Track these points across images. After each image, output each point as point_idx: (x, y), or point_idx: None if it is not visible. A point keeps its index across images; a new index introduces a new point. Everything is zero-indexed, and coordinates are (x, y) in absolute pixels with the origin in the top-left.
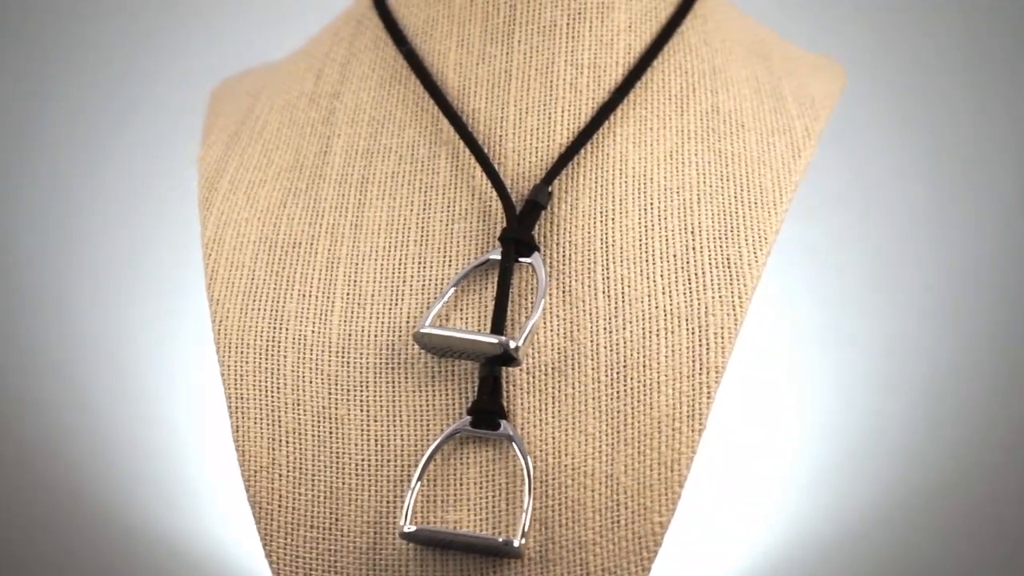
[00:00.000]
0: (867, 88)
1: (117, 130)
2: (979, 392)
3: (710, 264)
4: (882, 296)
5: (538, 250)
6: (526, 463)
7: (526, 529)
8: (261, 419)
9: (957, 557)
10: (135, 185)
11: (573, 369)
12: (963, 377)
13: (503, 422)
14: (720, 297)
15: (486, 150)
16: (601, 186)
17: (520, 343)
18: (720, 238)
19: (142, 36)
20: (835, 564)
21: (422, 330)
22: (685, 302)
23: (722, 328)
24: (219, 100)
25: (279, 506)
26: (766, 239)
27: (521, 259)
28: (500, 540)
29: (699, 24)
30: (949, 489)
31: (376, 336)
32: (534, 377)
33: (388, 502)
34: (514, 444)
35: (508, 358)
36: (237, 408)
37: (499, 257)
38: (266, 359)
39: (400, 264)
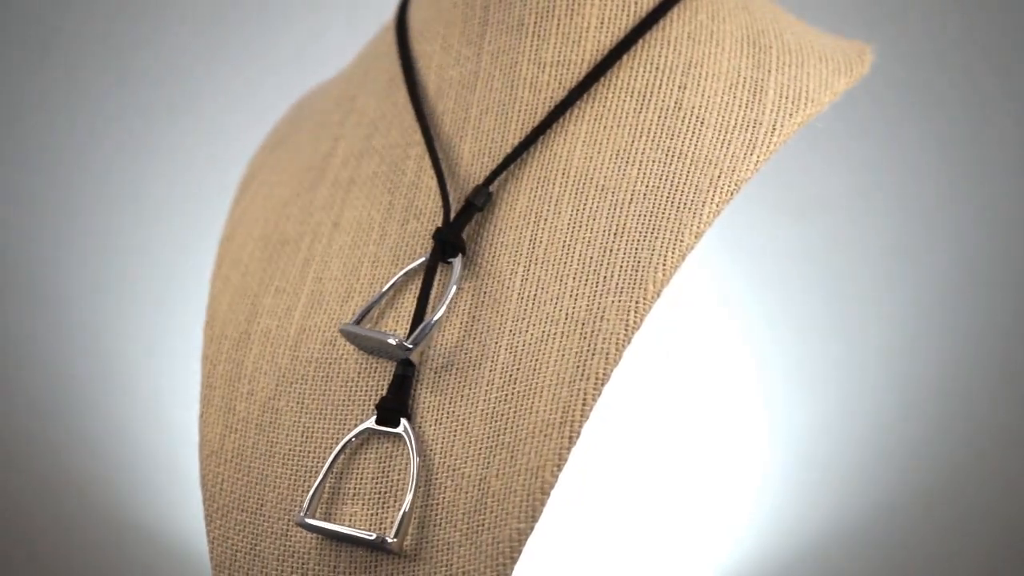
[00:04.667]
0: (868, 87)
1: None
2: (978, 392)
3: (620, 267)
4: (882, 295)
5: (463, 252)
6: (412, 462)
7: (401, 527)
8: (221, 407)
9: (957, 557)
10: (142, 188)
11: (473, 370)
12: (962, 377)
13: (403, 420)
14: (618, 302)
15: (447, 151)
16: (541, 186)
17: (408, 343)
18: (639, 240)
19: (144, 37)
20: (835, 564)
21: (341, 327)
22: (586, 306)
23: (612, 334)
24: (295, 106)
25: (220, 489)
26: (681, 241)
27: (450, 260)
28: (374, 537)
29: (688, 16)
30: (949, 489)
31: (323, 332)
32: (440, 377)
33: (303, 492)
34: (406, 442)
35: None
36: (205, 396)
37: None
38: (236, 351)
39: (358, 262)
